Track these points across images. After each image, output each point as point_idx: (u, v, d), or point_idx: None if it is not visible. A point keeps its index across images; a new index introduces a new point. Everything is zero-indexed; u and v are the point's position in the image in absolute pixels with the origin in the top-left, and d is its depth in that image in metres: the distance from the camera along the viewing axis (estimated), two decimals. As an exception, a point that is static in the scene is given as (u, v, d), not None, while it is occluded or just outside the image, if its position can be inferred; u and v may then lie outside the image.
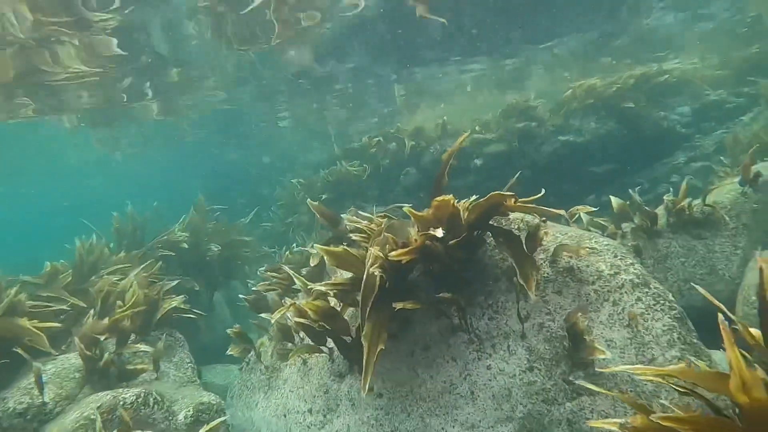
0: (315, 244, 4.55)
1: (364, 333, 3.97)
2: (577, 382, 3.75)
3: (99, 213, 10.60)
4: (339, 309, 4.71)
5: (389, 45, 13.12)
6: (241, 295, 6.36)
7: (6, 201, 39.30)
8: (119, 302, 6.48)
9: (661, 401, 3.51)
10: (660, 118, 12.70)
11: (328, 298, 4.81)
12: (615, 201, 7.08)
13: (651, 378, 2.66)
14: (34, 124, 15.48)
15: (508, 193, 4.10)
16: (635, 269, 4.21)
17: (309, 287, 4.58)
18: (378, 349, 3.93)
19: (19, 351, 5.57)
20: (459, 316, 4.29)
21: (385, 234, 4.37)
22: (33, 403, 5.40)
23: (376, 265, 3.95)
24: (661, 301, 4.00)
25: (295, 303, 4.66)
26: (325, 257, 4.30)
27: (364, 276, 3.99)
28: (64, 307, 6.71)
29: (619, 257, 4.32)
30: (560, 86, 14.32)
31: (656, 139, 12.51)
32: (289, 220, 13.56)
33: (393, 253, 4.02)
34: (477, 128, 13.52)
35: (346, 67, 14.39)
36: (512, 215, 4.79)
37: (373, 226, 4.70)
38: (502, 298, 4.31)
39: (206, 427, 4.61)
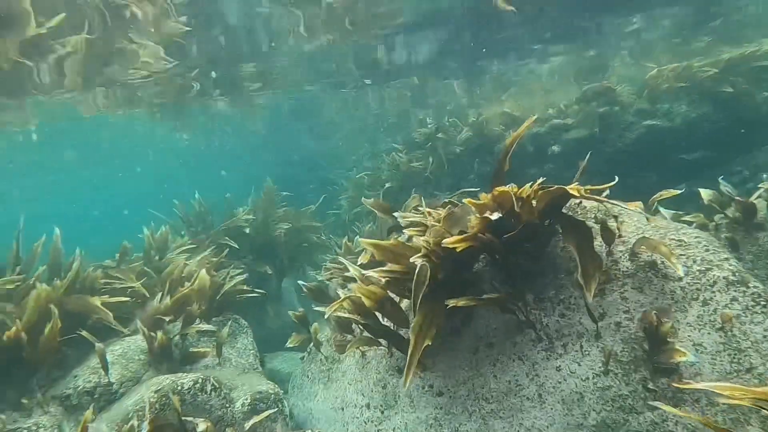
0: (360, 238, 4.34)
1: (412, 326, 3.78)
2: (653, 402, 3.37)
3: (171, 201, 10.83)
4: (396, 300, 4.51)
5: (465, 35, 12.76)
6: (300, 282, 6.26)
7: (82, 192, 41.37)
8: (184, 279, 6.54)
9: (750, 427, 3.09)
10: (763, 101, 11.65)
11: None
12: (705, 192, 6.45)
13: (742, 402, 2.27)
14: (105, 117, 16.03)
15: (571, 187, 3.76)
16: (730, 265, 3.75)
17: (364, 274, 4.39)
18: (424, 344, 3.75)
19: (84, 334, 5.69)
20: (525, 312, 3.97)
21: (443, 221, 4.12)
22: (100, 382, 5.51)
23: (420, 255, 3.72)
24: (762, 302, 3.53)
25: (349, 296, 4.48)
26: (374, 252, 4.10)
27: (417, 267, 3.76)
28: (134, 285, 6.84)
29: (711, 251, 3.86)
30: (645, 74, 13.45)
31: (758, 124, 11.48)
32: (357, 209, 13.45)
33: (445, 240, 3.77)
34: (551, 111, 12.89)
35: (420, 58, 14.14)
36: (587, 204, 4.41)
37: (433, 215, 4.44)
38: (576, 294, 3.96)
39: (258, 417, 4.52)
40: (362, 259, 4.85)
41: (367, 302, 4.37)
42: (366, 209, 12.51)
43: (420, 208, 4.72)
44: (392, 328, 4.86)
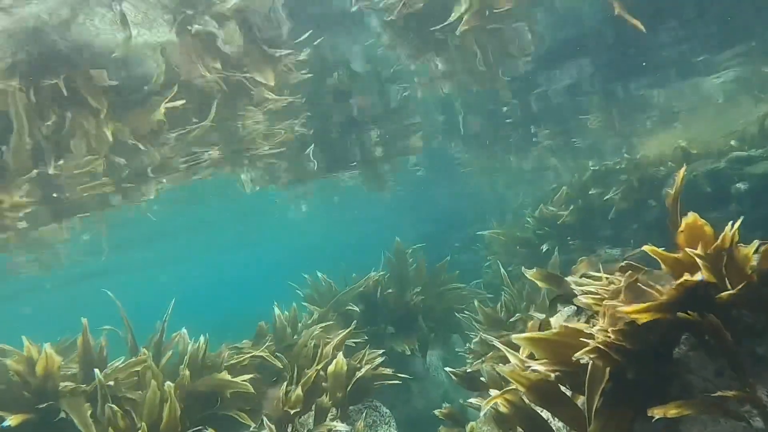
0: (513, 336, 3.52)
1: None
2: None
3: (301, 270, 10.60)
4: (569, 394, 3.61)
5: (614, 54, 11.60)
6: (448, 369, 5.50)
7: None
8: (319, 369, 6.00)
9: None
10: None
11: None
12: None
13: None
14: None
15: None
16: None
17: (527, 366, 3.55)
18: None
19: (209, 432, 5.30)
20: (764, 416, 2.91)
21: (624, 294, 3.21)
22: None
23: (588, 350, 2.88)
24: None
25: (509, 390, 3.66)
26: (531, 350, 3.29)
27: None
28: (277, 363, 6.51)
29: None
30: None
31: None
32: (509, 268, 12.40)
33: (623, 308, 2.89)
34: (732, 143, 11.21)
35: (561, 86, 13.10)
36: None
37: (610, 283, 3.54)
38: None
39: None
40: (520, 355, 4.04)
41: (529, 397, 3.53)
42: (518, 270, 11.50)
43: (592, 274, 3.81)
44: (564, 428, 3.95)
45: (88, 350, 6.30)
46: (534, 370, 3.34)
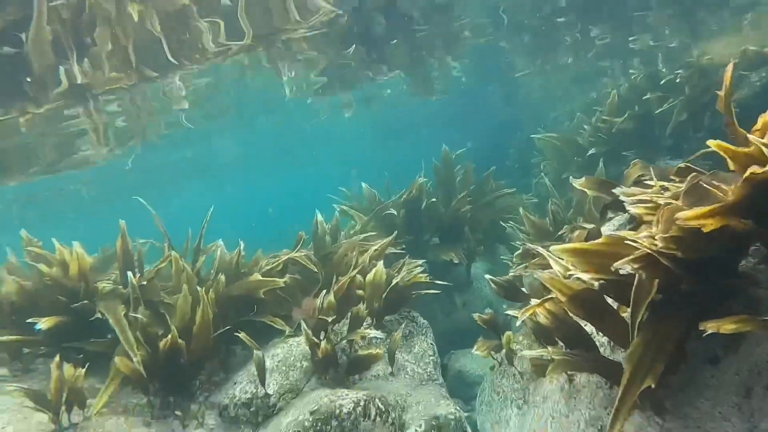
0: (553, 248, 3.18)
1: (627, 353, 2.70)
2: None
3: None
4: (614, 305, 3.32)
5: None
6: (488, 277, 5.24)
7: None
8: (353, 276, 5.84)
9: None
10: None
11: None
12: None
13: None
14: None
15: None
16: None
17: (570, 274, 3.25)
18: (643, 385, 2.67)
19: (242, 336, 5.26)
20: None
21: (683, 198, 2.83)
22: (257, 393, 5.07)
23: (632, 258, 2.55)
24: None
25: (550, 299, 3.38)
26: (574, 263, 2.97)
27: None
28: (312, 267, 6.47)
29: None
30: None
31: None
32: (564, 175, 11.80)
33: (681, 214, 2.53)
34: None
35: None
36: None
37: (670, 189, 3.13)
38: None
39: None
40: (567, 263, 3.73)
41: (570, 308, 3.26)
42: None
43: (647, 181, 3.40)
44: (609, 344, 3.69)
45: (127, 252, 6.31)
46: (577, 278, 3.04)
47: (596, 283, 2.98)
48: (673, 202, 2.72)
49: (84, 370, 4.70)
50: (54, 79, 7.19)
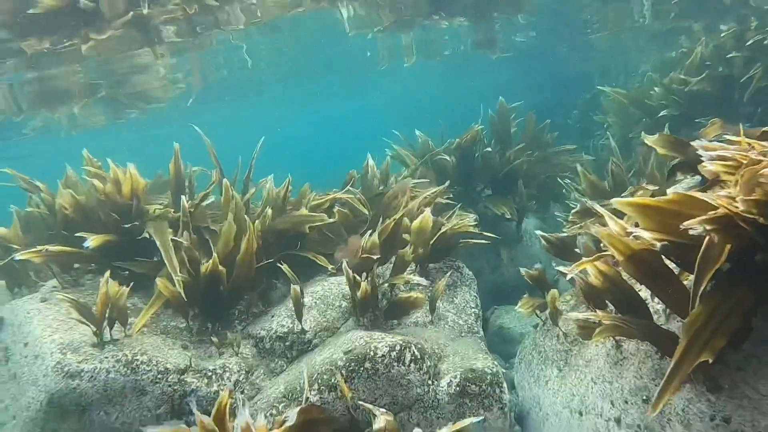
0: (615, 200, 2.92)
1: (686, 321, 2.50)
2: None
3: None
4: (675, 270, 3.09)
5: None
6: (538, 233, 5.03)
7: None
8: (397, 219, 5.70)
9: None
10: None
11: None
12: None
13: None
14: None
15: None
16: None
17: (629, 232, 3.02)
18: (699, 358, 2.52)
19: (284, 268, 5.24)
20: None
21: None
22: (293, 329, 5.06)
23: (704, 219, 2.32)
24: None
25: (602, 256, 3.18)
26: (637, 218, 2.74)
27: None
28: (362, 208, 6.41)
29: None
30: None
31: None
32: (630, 135, 11.24)
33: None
34: None
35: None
36: None
37: (751, 148, 2.84)
38: None
39: (459, 425, 3.50)
40: (628, 221, 3.48)
41: (627, 268, 3.05)
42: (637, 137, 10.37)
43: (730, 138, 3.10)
44: (664, 312, 3.48)
45: (179, 175, 6.32)
46: (636, 236, 2.82)
47: (658, 244, 2.75)
48: (763, 159, 2.45)
49: (128, 288, 4.76)
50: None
